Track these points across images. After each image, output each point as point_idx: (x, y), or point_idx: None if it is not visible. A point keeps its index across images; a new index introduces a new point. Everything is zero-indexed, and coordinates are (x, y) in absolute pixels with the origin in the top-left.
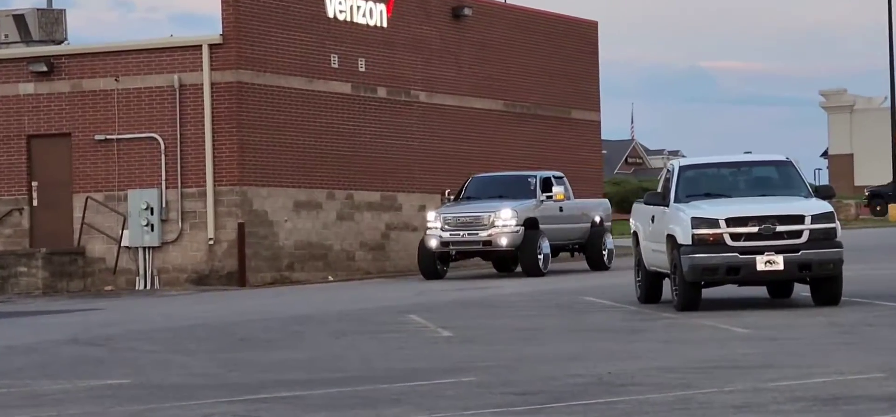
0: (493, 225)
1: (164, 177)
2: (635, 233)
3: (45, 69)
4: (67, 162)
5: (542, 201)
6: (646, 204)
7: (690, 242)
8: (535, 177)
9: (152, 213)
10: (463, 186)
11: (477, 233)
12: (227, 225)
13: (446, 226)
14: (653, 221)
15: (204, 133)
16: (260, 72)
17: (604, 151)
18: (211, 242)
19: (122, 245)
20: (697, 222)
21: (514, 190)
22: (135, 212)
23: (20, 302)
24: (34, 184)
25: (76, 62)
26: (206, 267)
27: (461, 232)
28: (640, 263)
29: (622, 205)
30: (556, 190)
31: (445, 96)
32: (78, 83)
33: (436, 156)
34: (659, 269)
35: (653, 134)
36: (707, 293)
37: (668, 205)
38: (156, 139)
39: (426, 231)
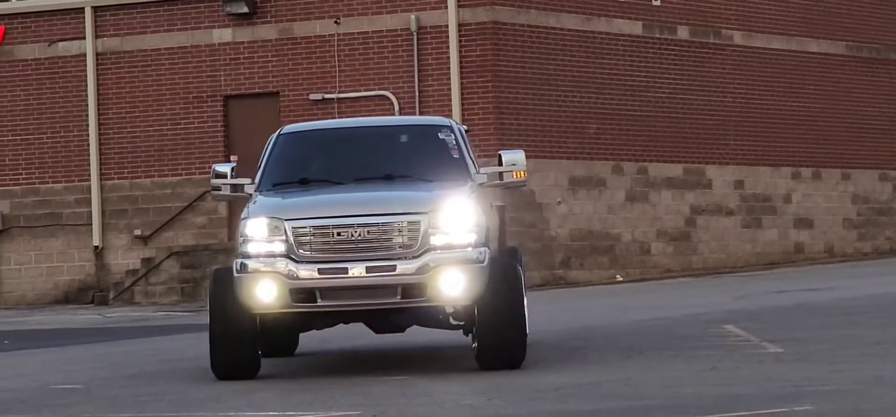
0: None
1: None
2: None
3: (245, 10)
4: (275, 128)
5: None
6: None
7: None
8: None
9: None
10: None
11: None
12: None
13: None
14: None
15: (450, 88)
16: (522, 9)
17: None
18: None
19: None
20: None
21: None
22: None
23: None
24: (233, 157)
25: (285, 1)
26: None
27: None
28: None
29: None
30: None
31: (768, 37)
32: (287, 28)
33: (756, 117)
34: None
35: None
36: None
37: None
38: (388, 97)
39: None
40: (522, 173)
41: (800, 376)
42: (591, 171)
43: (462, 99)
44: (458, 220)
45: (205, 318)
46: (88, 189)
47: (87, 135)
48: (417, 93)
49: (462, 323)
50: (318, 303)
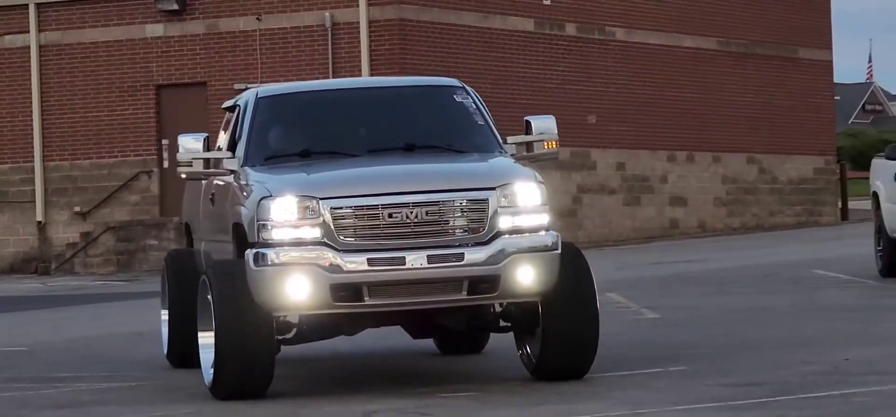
0: None
1: None
2: (875, 194)
3: (175, 7)
4: (203, 115)
5: None
6: (888, 158)
7: None
8: None
9: None
10: None
11: None
12: None
13: None
14: None
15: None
16: (426, 7)
17: (836, 97)
18: None
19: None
20: None
21: None
22: None
23: (149, 281)
24: (164, 142)
25: None
26: None
27: None
28: (881, 229)
29: (859, 161)
30: None
31: (647, 33)
32: (214, 23)
33: (636, 106)
34: None
35: (895, 76)
36: None
37: None
38: None
39: None
40: (555, 144)
41: (675, 339)
42: None
43: None
44: (530, 198)
45: (139, 287)
46: (32, 169)
47: (32, 120)
48: None
49: (509, 325)
50: (366, 302)
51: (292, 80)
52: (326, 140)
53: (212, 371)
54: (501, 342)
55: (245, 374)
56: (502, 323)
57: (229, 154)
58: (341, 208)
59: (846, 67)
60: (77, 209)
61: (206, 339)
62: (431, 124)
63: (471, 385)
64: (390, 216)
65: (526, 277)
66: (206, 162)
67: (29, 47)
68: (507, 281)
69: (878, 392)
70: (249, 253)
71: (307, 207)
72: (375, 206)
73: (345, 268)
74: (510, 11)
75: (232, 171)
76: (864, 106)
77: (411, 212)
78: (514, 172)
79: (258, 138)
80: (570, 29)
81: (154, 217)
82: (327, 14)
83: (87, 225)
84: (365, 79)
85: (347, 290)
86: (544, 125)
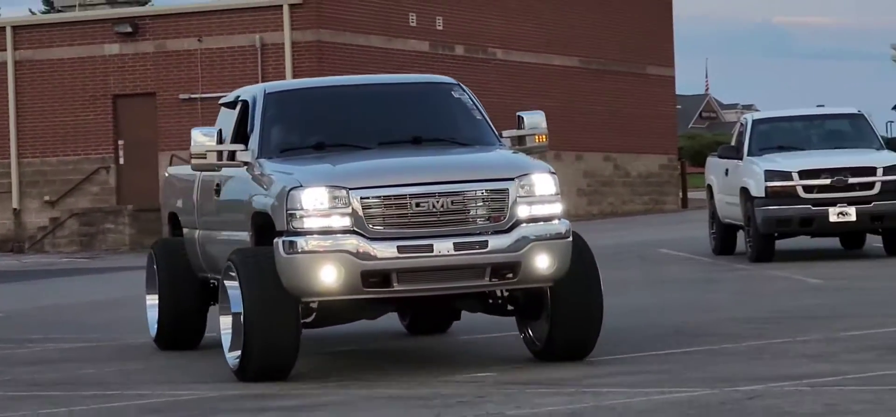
0: None
1: None
2: (709, 187)
3: (130, 30)
4: (152, 121)
5: None
6: (720, 157)
7: (764, 195)
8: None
9: None
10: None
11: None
12: None
13: None
14: (726, 174)
15: None
16: (340, 32)
17: (678, 106)
18: None
19: None
20: (771, 175)
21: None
22: None
23: (108, 258)
24: (120, 142)
25: (160, 23)
26: None
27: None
28: (714, 216)
29: (696, 159)
30: None
31: (522, 53)
32: (162, 43)
33: (513, 114)
34: (733, 221)
35: (727, 89)
36: (780, 244)
37: (741, 159)
38: None
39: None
40: (544, 137)
41: None
42: None
43: None
44: (546, 188)
45: (99, 264)
46: (9, 165)
47: (8, 124)
48: None
49: (512, 308)
50: (395, 288)
51: (227, 92)
52: (338, 133)
53: (233, 354)
54: (470, 323)
55: (271, 356)
56: (508, 308)
57: (242, 146)
58: (370, 198)
59: (687, 81)
60: (47, 198)
61: (226, 323)
62: (435, 118)
63: (495, 368)
64: (418, 205)
65: (544, 264)
66: (220, 154)
67: (6, 63)
68: (526, 268)
69: (711, 351)
70: (279, 241)
71: (337, 197)
72: (404, 196)
73: (376, 256)
74: (410, 35)
75: (246, 163)
76: (701, 113)
77: (437, 202)
78: (531, 164)
79: (271, 131)
80: (459, 50)
81: (112, 205)
82: (257, 36)
83: (55, 212)
84: (365, 77)
85: (378, 277)
86: (534, 120)
